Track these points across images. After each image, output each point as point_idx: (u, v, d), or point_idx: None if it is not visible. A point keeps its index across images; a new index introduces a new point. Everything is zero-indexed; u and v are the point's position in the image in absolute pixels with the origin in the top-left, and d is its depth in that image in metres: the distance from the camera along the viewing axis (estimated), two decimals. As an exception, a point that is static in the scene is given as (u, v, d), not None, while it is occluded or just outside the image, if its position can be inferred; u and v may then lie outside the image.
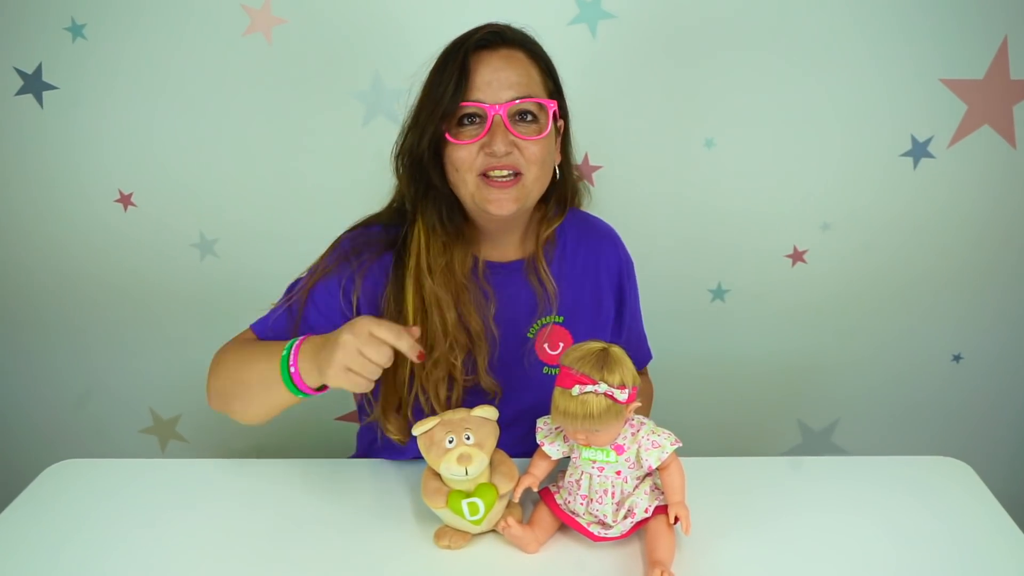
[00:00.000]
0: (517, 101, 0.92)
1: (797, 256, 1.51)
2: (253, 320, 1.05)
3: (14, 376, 1.65)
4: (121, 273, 1.55)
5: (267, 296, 1.52)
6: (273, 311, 1.03)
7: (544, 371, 1.05)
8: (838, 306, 1.55)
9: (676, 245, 1.52)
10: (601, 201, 1.43)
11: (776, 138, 1.43)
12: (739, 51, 1.38)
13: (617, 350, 0.82)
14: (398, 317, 0.97)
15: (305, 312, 1.00)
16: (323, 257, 1.03)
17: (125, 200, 1.50)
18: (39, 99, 1.43)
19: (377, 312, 0.99)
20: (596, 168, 1.46)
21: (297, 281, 1.03)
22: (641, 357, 1.22)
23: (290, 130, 1.44)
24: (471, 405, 0.93)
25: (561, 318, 1.05)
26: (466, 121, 0.94)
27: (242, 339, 1.04)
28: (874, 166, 1.44)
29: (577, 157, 1.44)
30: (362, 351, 0.82)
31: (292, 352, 0.89)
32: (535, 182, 0.96)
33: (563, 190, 1.07)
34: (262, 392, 0.94)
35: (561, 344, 1.05)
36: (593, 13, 1.36)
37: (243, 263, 1.53)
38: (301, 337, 0.91)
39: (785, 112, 1.41)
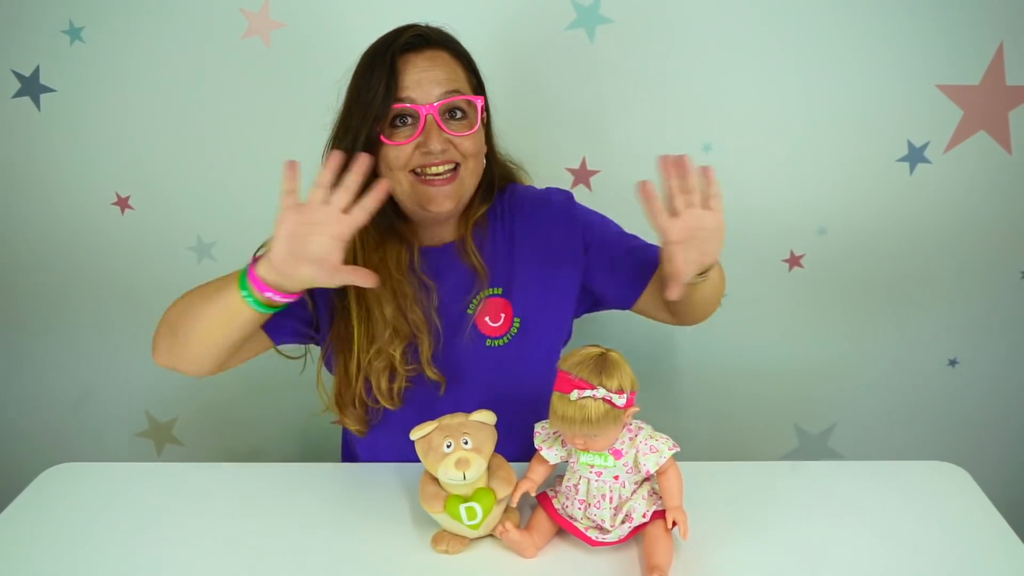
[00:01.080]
0: (448, 99, 0.96)
1: (794, 261, 1.52)
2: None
3: (10, 379, 1.65)
4: (118, 276, 1.55)
5: (264, 300, 1.53)
6: None
7: (488, 344, 1.06)
8: (835, 311, 1.55)
9: (673, 249, 1.52)
10: (598, 206, 1.43)
11: (773, 143, 1.43)
12: (736, 56, 1.38)
13: (615, 355, 0.83)
14: (343, 311, 1.01)
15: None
16: None
17: (122, 203, 1.49)
18: (36, 102, 1.43)
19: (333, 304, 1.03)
20: (594, 172, 1.46)
21: None
22: (653, 254, 1.13)
23: (288, 133, 1.43)
24: (416, 396, 1.00)
25: (499, 290, 1.07)
26: (398, 122, 0.97)
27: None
28: (870, 171, 1.44)
29: (575, 161, 1.45)
30: (329, 219, 0.84)
31: (251, 269, 0.90)
32: (471, 174, 1.01)
33: (491, 177, 1.09)
34: (213, 313, 0.92)
35: (502, 315, 1.06)
36: (591, 18, 1.36)
37: (240, 266, 1.52)
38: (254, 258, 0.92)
39: (782, 117, 1.42)
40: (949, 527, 0.91)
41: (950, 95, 1.39)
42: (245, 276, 0.90)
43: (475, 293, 1.06)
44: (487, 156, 1.07)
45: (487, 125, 1.07)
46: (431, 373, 1.03)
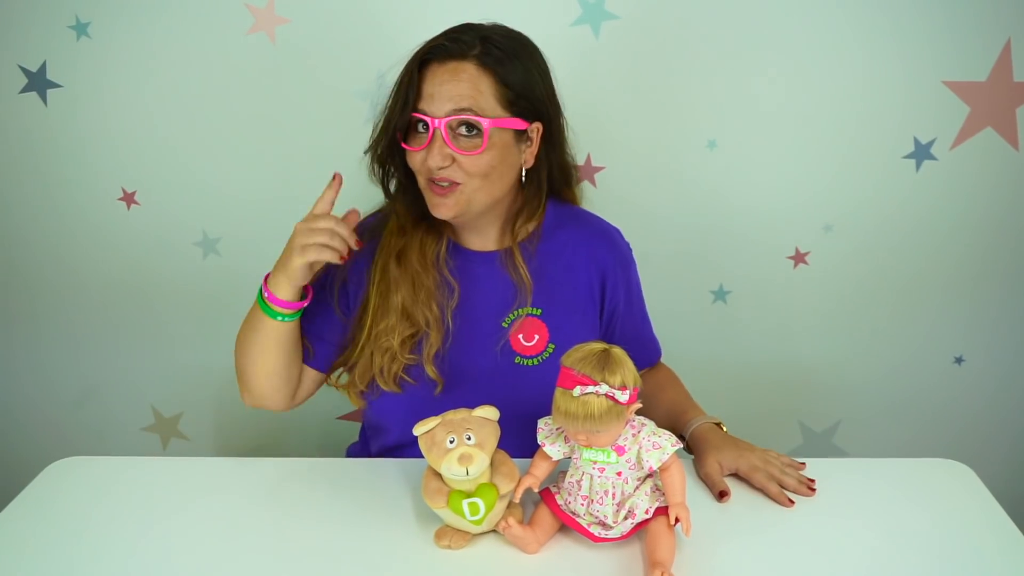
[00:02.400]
0: (454, 116, 0.96)
1: (799, 257, 1.52)
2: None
3: (16, 373, 1.66)
4: (124, 271, 1.56)
5: (269, 295, 1.53)
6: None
7: (516, 360, 1.06)
8: (840, 308, 1.55)
9: (678, 246, 1.52)
10: (603, 201, 1.43)
11: (778, 139, 1.43)
12: (742, 52, 1.38)
13: (618, 351, 0.83)
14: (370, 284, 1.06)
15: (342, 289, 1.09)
16: None
17: (128, 198, 1.50)
18: (43, 97, 1.43)
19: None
20: (599, 169, 1.46)
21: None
22: (648, 355, 1.21)
23: (293, 129, 1.44)
24: (417, 390, 1.02)
25: (539, 310, 1.07)
26: (420, 127, 0.99)
27: None
28: (876, 168, 1.44)
29: (579, 158, 1.45)
30: (310, 226, 0.94)
31: (263, 283, 0.99)
32: (477, 192, 0.99)
33: (538, 187, 1.07)
34: (255, 339, 1.01)
35: (536, 336, 1.06)
36: (596, 14, 1.36)
37: (246, 262, 1.53)
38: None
39: (787, 113, 1.41)
40: (954, 524, 0.91)
41: (957, 91, 1.38)
42: (261, 290, 0.99)
43: (514, 308, 1.06)
44: (538, 168, 1.05)
45: (548, 135, 1.04)
46: (430, 371, 1.03)
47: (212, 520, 0.93)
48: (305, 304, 1.01)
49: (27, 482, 1.00)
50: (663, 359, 1.25)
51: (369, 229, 1.08)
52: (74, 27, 1.38)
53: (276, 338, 1.01)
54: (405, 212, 1.06)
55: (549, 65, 1.04)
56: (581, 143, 1.44)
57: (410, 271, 1.04)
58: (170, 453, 1.71)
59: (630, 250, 1.17)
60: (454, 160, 0.97)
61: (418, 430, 0.87)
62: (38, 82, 1.42)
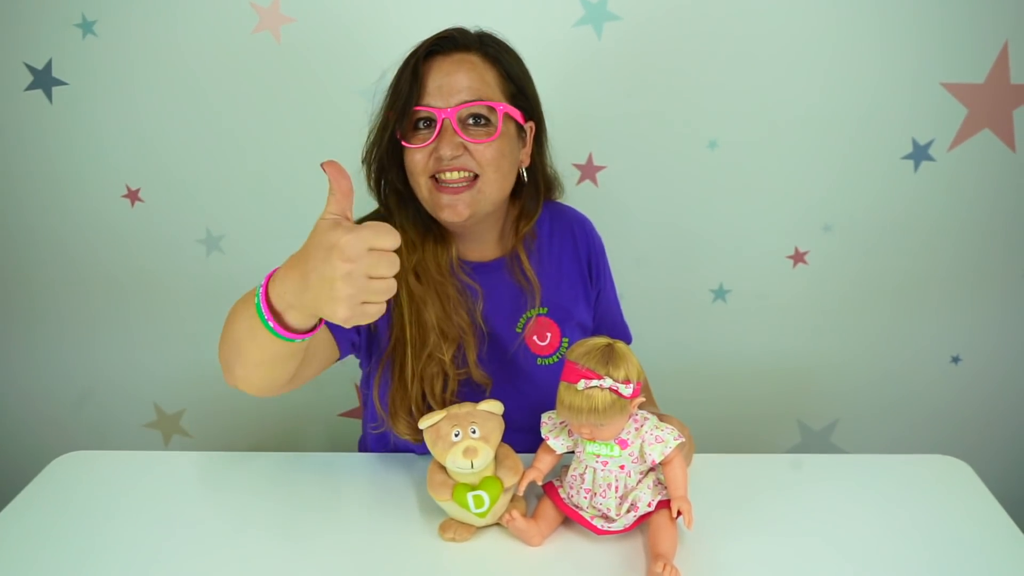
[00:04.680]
0: (466, 104, 0.93)
1: (798, 257, 1.53)
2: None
3: (19, 369, 1.66)
4: (127, 268, 1.56)
5: (272, 292, 1.54)
6: None
7: (539, 362, 1.06)
8: (838, 307, 1.56)
9: (678, 245, 1.53)
10: (604, 200, 1.45)
11: (778, 140, 1.44)
12: (742, 53, 1.39)
13: (622, 346, 0.84)
14: (397, 317, 0.98)
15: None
16: None
17: (132, 195, 1.51)
18: (48, 95, 1.44)
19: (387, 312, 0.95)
20: (600, 168, 1.47)
21: None
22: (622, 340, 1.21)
23: (297, 127, 1.45)
24: (465, 398, 0.95)
25: (545, 309, 1.07)
26: (420, 125, 0.96)
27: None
28: (875, 168, 1.45)
29: (581, 157, 1.46)
30: (371, 273, 0.66)
31: (262, 300, 0.73)
32: (491, 185, 0.96)
33: (536, 187, 1.07)
34: (249, 349, 0.78)
35: (549, 335, 1.07)
36: (599, 15, 1.37)
37: (249, 259, 1.54)
38: (267, 276, 0.74)
39: (787, 114, 1.43)
40: (951, 520, 0.92)
41: (955, 93, 1.40)
42: (260, 306, 0.73)
43: (524, 311, 1.06)
44: (529, 170, 1.05)
45: (537, 137, 1.05)
46: (477, 375, 1.01)
47: (218, 514, 0.94)
48: (320, 327, 0.77)
49: (30, 478, 1.01)
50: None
51: None
52: (80, 25, 1.39)
53: (279, 352, 0.78)
54: (411, 225, 1.01)
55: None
56: (583, 142, 1.46)
57: (432, 284, 0.99)
58: (172, 449, 1.71)
59: (600, 238, 1.18)
60: (465, 149, 0.94)
61: (423, 423, 0.88)
62: (43, 80, 1.43)
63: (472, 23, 1.04)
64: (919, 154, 1.44)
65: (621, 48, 1.39)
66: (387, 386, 0.99)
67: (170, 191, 1.50)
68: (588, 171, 1.47)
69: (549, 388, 0.94)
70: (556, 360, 1.07)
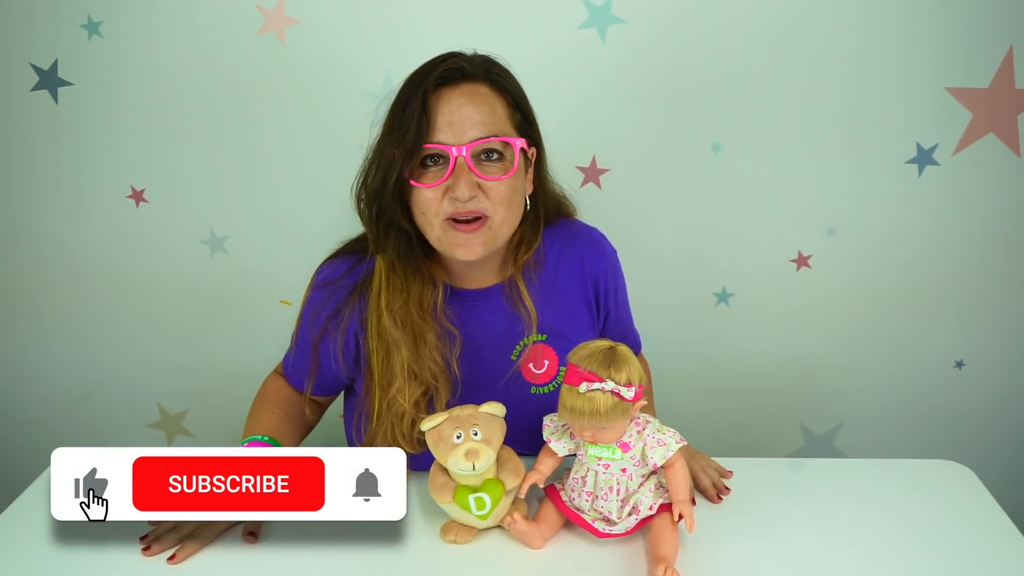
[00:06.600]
0: (481, 141, 0.90)
1: (802, 261, 1.52)
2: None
3: (22, 369, 1.66)
4: (131, 268, 1.57)
5: (275, 294, 1.54)
6: (291, 355, 1.09)
7: (532, 391, 1.03)
8: (842, 311, 1.56)
9: (681, 248, 1.53)
10: (607, 204, 1.45)
11: (782, 143, 1.44)
12: (746, 57, 1.39)
13: (624, 349, 0.84)
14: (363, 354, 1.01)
15: (320, 370, 1.05)
16: (300, 321, 1.06)
17: (137, 196, 1.51)
18: (54, 95, 1.44)
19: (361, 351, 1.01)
20: (603, 171, 1.47)
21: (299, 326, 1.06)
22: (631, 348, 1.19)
23: (302, 129, 1.45)
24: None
25: (544, 336, 1.03)
26: (429, 162, 0.91)
27: (271, 382, 1.15)
28: (879, 173, 1.45)
29: (585, 159, 1.46)
30: None
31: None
32: (502, 224, 0.94)
33: (537, 214, 1.04)
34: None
35: (546, 362, 1.03)
36: (603, 18, 1.37)
37: (253, 260, 1.54)
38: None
39: (791, 118, 1.42)
40: (954, 525, 0.92)
41: (959, 98, 1.39)
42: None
43: (520, 339, 1.02)
44: (533, 197, 1.01)
45: (539, 161, 1.01)
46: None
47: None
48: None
49: (33, 477, 1.01)
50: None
51: (346, 293, 1.01)
52: (86, 26, 1.40)
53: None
54: (401, 263, 0.97)
55: None
56: (586, 145, 1.46)
57: (409, 327, 0.96)
58: (175, 450, 1.71)
59: (615, 253, 1.13)
60: (481, 189, 0.91)
61: (425, 426, 0.88)
62: (49, 80, 1.44)
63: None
64: (923, 158, 1.43)
65: (625, 51, 1.39)
66: (363, 420, 1.01)
67: (174, 192, 1.51)
68: (591, 174, 1.47)
69: (539, 417, 0.94)
70: (551, 390, 1.03)
